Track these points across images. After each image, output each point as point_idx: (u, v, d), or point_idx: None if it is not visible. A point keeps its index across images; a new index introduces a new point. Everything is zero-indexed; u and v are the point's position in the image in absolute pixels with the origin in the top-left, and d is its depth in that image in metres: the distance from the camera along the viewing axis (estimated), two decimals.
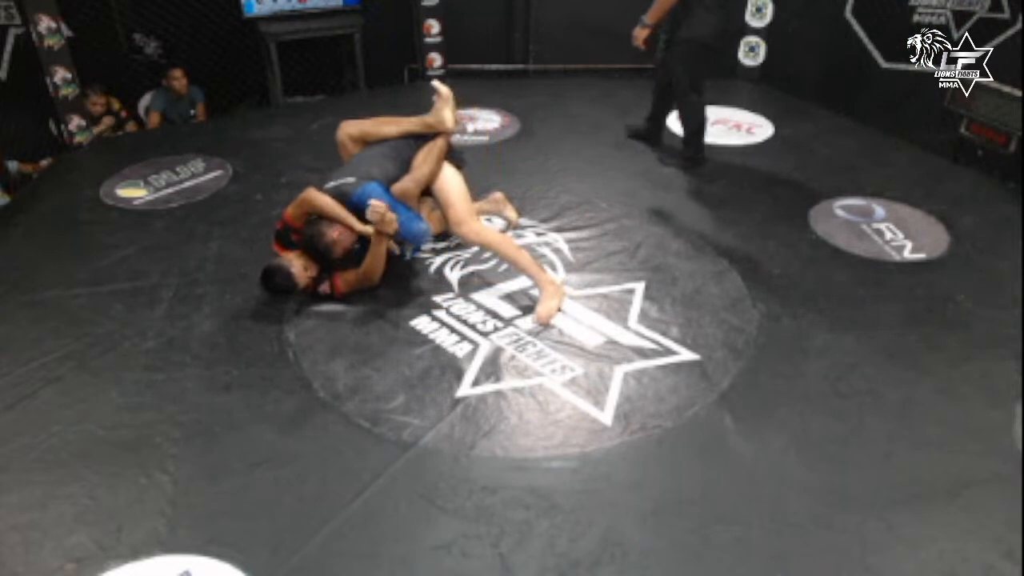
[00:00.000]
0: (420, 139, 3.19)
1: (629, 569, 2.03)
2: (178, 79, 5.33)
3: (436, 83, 3.21)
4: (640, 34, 4.02)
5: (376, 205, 2.86)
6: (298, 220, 3.04)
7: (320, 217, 2.99)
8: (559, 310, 3.02)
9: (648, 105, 4.52)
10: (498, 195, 3.61)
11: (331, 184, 3.05)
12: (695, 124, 4.21)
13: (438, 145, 3.16)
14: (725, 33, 4.14)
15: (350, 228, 2.98)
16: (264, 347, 2.90)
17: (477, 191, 3.75)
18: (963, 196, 3.94)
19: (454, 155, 3.28)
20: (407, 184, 3.04)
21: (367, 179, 3.01)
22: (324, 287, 3.08)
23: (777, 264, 3.36)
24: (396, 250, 3.20)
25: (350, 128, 3.26)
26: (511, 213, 3.59)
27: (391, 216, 2.89)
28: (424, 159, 3.11)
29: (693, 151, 4.26)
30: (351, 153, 3.26)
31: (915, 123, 4.73)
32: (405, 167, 3.11)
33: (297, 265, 3.00)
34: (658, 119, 4.52)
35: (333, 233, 2.96)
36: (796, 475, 2.30)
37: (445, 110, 3.16)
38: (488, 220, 3.66)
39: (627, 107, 5.11)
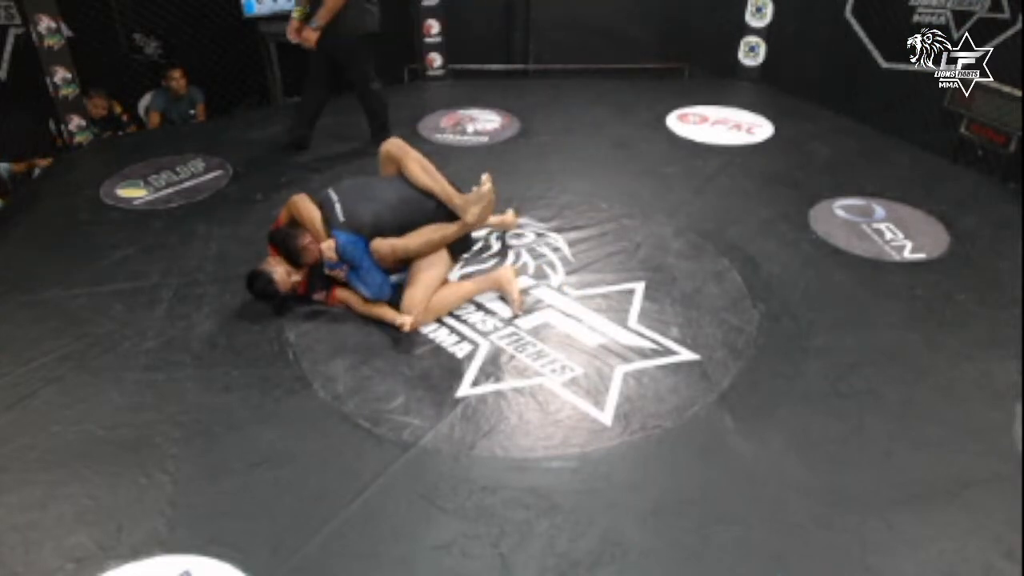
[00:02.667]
0: (442, 209, 3.03)
1: (629, 569, 2.03)
2: (177, 79, 5.33)
3: (486, 177, 3.02)
4: (311, 36, 4.08)
5: (327, 246, 2.89)
6: (284, 222, 3.06)
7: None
8: (519, 290, 3.07)
9: (639, 105, 4.50)
10: (509, 218, 3.58)
11: (335, 198, 2.99)
12: (383, 113, 4.46)
13: (447, 232, 3.01)
14: (378, 20, 4.29)
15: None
16: (264, 347, 2.90)
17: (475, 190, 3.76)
18: (963, 196, 3.94)
19: (464, 244, 3.15)
20: (384, 248, 2.89)
21: (353, 226, 2.92)
22: (319, 295, 3.07)
23: (777, 264, 3.36)
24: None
25: (392, 147, 3.13)
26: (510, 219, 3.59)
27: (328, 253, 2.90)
28: (423, 235, 2.97)
29: (383, 136, 4.21)
30: (385, 168, 3.18)
31: (915, 123, 4.74)
32: (407, 228, 2.98)
33: (280, 271, 2.95)
34: (314, 120, 4.57)
35: (304, 239, 2.95)
36: (796, 475, 2.30)
37: (476, 206, 2.99)
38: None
39: (627, 107, 5.12)
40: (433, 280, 2.99)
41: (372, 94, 4.42)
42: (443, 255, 3.05)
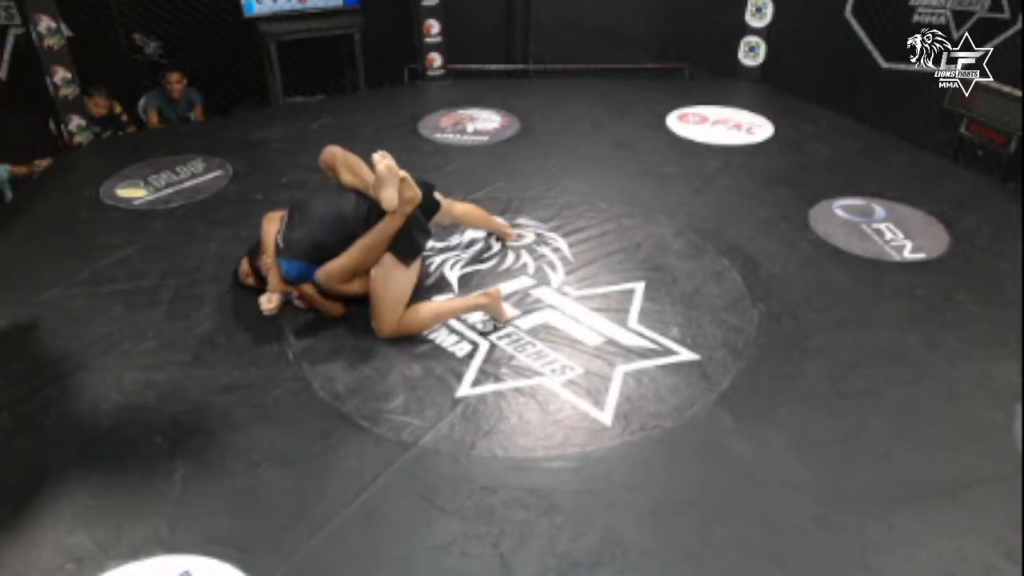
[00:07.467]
0: (379, 212, 2.79)
1: (629, 569, 2.03)
2: (174, 83, 5.30)
3: (378, 156, 2.74)
4: None
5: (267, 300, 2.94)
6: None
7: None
8: (505, 312, 2.99)
9: (639, 106, 4.42)
10: (507, 230, 3.54)
11: (287, 217, 3.00)
12: None
13: (379, 231, 2.78)
14: None
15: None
16: (264, 347, 2.90)
17: (477, 191, 3.76)
18: (963, 196, 3.94)
19: (410, 243, 2.84)
20: (321, 277, 2.84)
21: (297, 252, 2.90)
22: (297, 301, 3.04)
23: (777, 264, 3.36)
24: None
25: (325, 156, 3.03)
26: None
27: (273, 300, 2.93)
28: (354, 246, 2.81)
29: None
30: (335, 180, 3.03)
31: (915, 123, 4.74)
32: (344, 245, 2.83)
33: (244, 265, 3.11)
34: None
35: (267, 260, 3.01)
36: (796, 475, 2.30)
37: (385, 189, 2.72)
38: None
39: (627, 107, 5.12)
40: (394, 299, 2.84)
41: None
42: (397, 269, 2.81)
